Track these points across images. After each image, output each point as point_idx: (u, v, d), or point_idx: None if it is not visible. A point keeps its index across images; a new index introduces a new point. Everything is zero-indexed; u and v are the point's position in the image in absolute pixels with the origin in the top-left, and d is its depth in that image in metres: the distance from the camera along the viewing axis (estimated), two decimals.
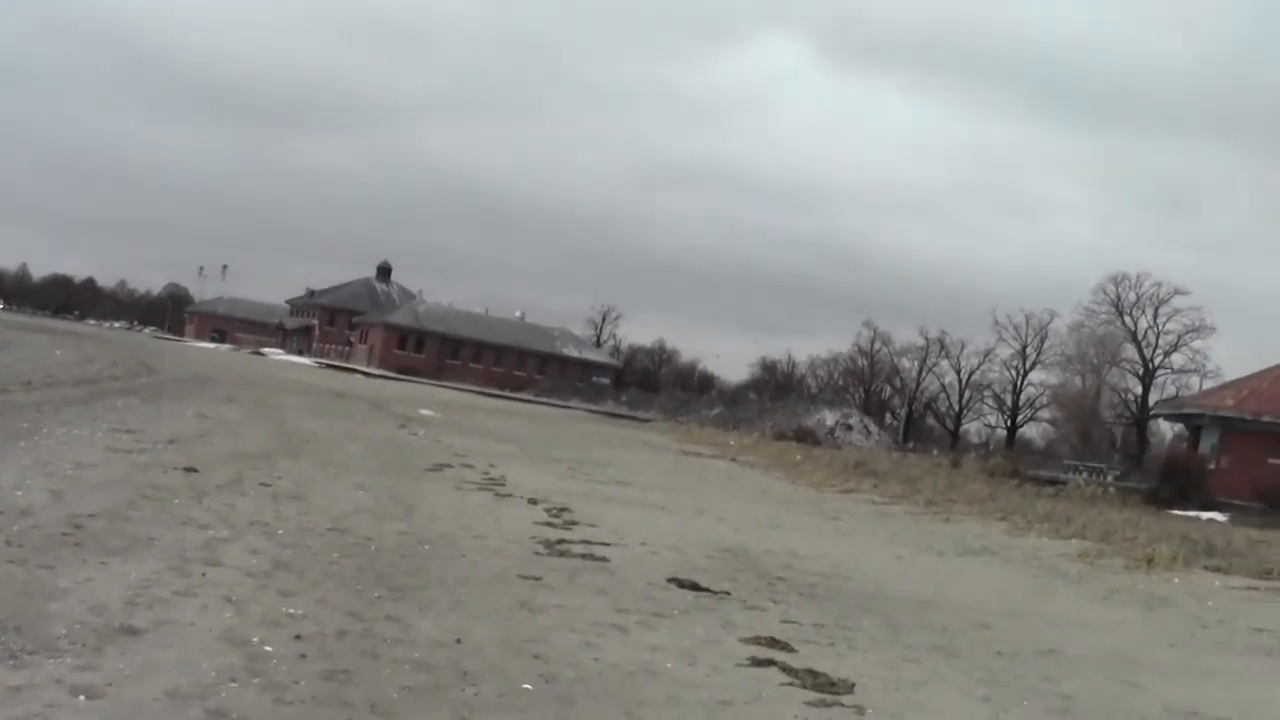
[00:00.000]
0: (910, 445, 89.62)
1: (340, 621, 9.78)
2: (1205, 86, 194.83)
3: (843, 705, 9.22)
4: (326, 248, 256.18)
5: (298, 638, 9.05)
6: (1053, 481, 49.53)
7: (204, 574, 10.91)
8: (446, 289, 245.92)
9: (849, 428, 76.07)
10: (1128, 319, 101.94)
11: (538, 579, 13.12)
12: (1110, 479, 55.95)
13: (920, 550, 21.78)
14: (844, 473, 41.89)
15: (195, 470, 18.16)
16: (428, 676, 8.49)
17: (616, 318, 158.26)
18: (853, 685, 9.88)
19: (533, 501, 20.78)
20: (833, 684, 9.81)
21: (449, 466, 25.57)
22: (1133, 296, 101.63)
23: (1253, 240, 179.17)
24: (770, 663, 10.30)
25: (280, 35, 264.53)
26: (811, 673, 10.05)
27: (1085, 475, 54.97)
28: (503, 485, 23.01)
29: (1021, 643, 13.21)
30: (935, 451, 78.18)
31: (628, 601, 12.49)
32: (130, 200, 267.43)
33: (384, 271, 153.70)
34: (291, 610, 9.93)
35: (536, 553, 15.12)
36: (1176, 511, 40.23)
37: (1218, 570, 22.10)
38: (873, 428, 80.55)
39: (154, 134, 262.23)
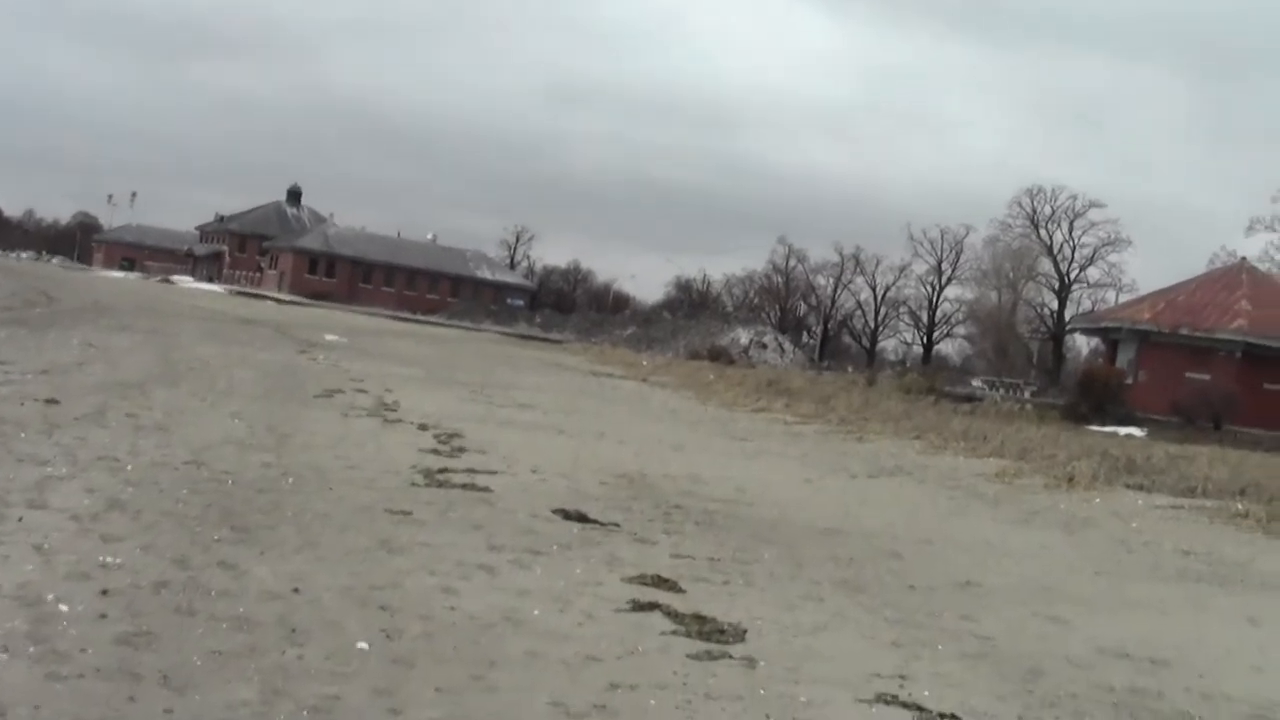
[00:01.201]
0: (826, 364, 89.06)
1: (163, 571, 8.62)
2: (1118, 3, 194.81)
3: (731, 658, 8.14)
4: (238, 175, 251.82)
5: (104, 593, 7.90)
6: (969, 399, 49.13)
7: (20, 518, 9.72)
8: (359, 215, 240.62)
9: (763, 346, 75.42)
10: (1043, 232, 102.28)
11: (407, 514, 12.00)
12: (1028, 395, 55.60)
13: (831, 472, 20.85)
14: (756, 392, 41.03)
15: (56, 402, 16.89)
16: (245, 637, 7.35)
17: (530, 239, 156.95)
18: (744, 632, 8.83)
19: (423, 427, 19.70)
20: (721, 631, 8.75)
21: (341, 392, 24.36)
22: (1048, 210, 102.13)
23: (1166, 157, 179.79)
24: (654, 606, 9.22)
25: None
26: (699, 618, 8.99)
27: (1002, 392, 54.69)
28: (394, 411, 21.89)
29: (935, 574, 12.24)
30: (851, 370, 77.71)
31: (504, 537, 11.38)
32: (36, 129, 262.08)
33: (294, 195, 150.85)
34: (109, 559, 8.76)
35: (413, 484, 14.00)
36: (1094, 427, 39.64)
37: (1140, 489, 21.26)
38: (787, 346, 79.97)
39: (61, 62, 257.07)
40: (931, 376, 58.37)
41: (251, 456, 14.51)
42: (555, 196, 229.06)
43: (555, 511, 13.07)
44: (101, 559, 8.74)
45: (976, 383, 61.16)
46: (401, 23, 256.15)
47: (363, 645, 7.46)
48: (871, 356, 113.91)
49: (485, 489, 14.09)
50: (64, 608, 7.46)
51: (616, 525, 12.74)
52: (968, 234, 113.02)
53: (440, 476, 14.63)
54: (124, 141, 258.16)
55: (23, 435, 13.88)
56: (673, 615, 9.02)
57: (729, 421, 30.02)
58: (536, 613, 8.74)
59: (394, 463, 15.45)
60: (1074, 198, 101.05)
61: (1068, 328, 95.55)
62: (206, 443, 15.10)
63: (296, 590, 8.53)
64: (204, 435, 15.76)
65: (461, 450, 17.40)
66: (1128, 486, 21.39)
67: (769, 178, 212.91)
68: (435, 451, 16.99)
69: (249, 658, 6.98)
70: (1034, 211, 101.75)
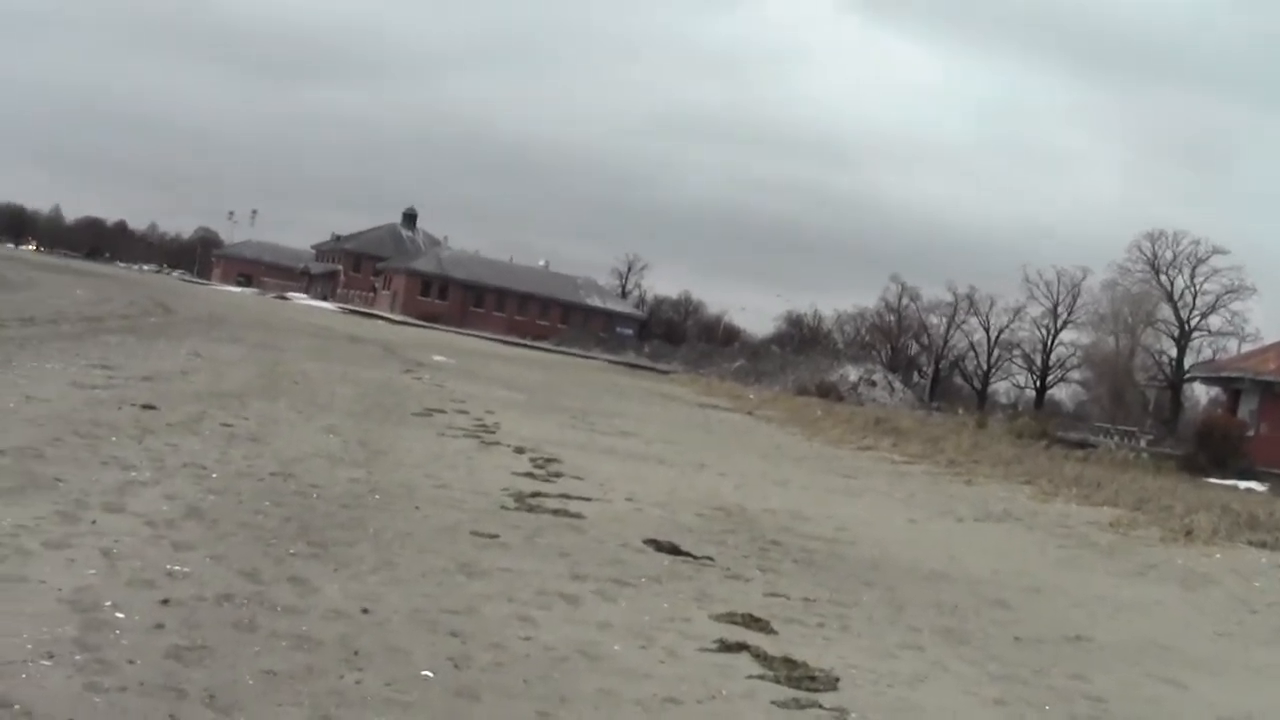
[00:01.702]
0: (935, 404, 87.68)
1: (230, 583, 8.26)
2: (1239, 44, 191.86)
3: (821, 708, 7.61)
4: (355, 196, 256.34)
5: (164, 602, 7.54)
6: (1082, 445, 47.93)
7: (94, 521, 9.42)
8: (472, 238, 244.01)
9: (873, 384, 74.43)
10: (1164, 278, 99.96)
11: (492, 537, 11.59)
12: (1143, 443, 54.29)
13: (937, 514, 20.20)
14: (863, 430, 40.31)
15: (154, 408, 16.71)
16: (304, 657, 6.95)
17: (642, 268, 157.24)
18: (836, 680, 8.28)
19: (520, 450, 19.31)
20: (812, 678, 8.20)
21: (441, 412, 24.09)
22: (1169, 255, 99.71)
23: None
24: (742, 647, 8.70)
25: None
26: (789, 662, 8.47)
27: (1117, 439, 53.38)
28: (493, 433, 21.55)
29: (1044, 627, 11.60)
30: (961, 411, 76.52)
31: (590, 566, 10.92)
32: (161, 146, 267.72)
33: (409, 218, 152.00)
34: (177, 568, 8.42)
35: (503, 507, 13.59)
36: (1213, 480, 38.46)
37: (1262, 545, 20.28)
38: (897, 385, 78.87)
39: (192, 82, 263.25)
40: (1044, 421, 57.17)
41: (341, 471, 14.19)
42: (668, 226, 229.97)
43: (647, 542, 12.60)
44: (169, 567, 8.40)
45: (1094, 432, 59.82)
46: (517, 50, 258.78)
47: (427, 673, 7.03)
48: (983, 398, 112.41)
49: (577, 515, 13.66)
50: (120, 615, 7.12)
51: (710, 559, 12.24)
52: (1085, 277, 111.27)
53: (532, 500, 14.22)
54: (246, 159, 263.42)
55: (113, 439, 13.66)
56: (761, 658, 8.50)
57: (834, 459, 29.41)
58: (616, 648, 8.27)
59: (486, 485, 15.07)
60: (1196, 243, 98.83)
61: (1186, 376, 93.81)
62: (297, 455, 14.83)
63: (365, 611, 8.13)
64: (296, 448, 15.49)
65: (558, 475, 17.01)
66: (1249, 543, 20.42)
67: (882, 214, 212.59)
68: (530, 475, 16.60)
69: (304, 680, 6.58)
70: (1154, 256, 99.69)
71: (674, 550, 12.34)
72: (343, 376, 29.43)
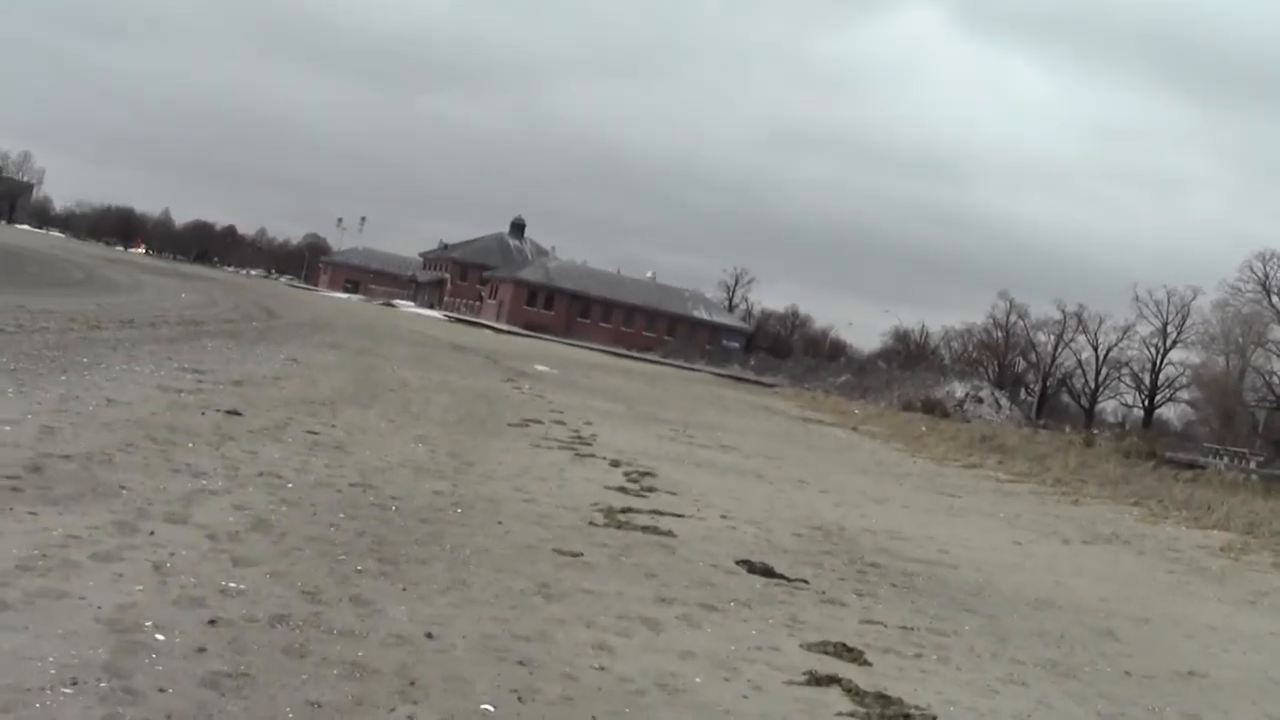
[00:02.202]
0: (1042, 422, 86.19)
1: (287, 602, 7.76)
2: None
3: None
4: (463, 205, 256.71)
5: (211, 623, 7.05)
6: (1191, 465, 46.57)
7: (151, 533, 8.95)
8: (580, 248, 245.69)
9: (979, 400, 73.15)
10: (1275, 299, 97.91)
11: (576, 555, 11.04)
12: (1254, 465, 52.85)
13: (1042, 536, 19.46)
14: (969, 447, 39.43)
15: (238, 414, 16.35)
16: (354, 688, 6.40)
17: (749, 282, 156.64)
18: (934, 719, 7.66)
19: (614, 464, 18.83)
20: (907, 716, 7.58)
21: (538, 423, 23.65)
22: None
23: None
24: (833, 680, 8.07)
25: None
26: (883, 698, 7.84)
27: (1226, 460, 51.98)
28: (589, 445, 21.09)
29: (1155, 660, 10.88)
30: (1068, 429, 75.20)
31: (677, 589, 10.34)
32: (271, 151, 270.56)
33: (517, 228, 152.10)
34: (231, 584, 7.93)
35: (591, 523, 13.06)
36: None
37: None
38: (1004, 402, 77.45)
39: (299, 88, 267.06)
40: (1152, 440, 55.75)
41: (424, 483, 13.72)
42: (775, 240, 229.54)
43: (739, 563, 12.02)
44: (223, 584, 7.91)
45: (1203, 452, 58.43)
46: (627, 62, 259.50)
47: (487, 707, 6.47)
48: (1090, 417, 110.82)
49: (668, 533, 13.09)
50: (160, 638, 6.63)
51: (804, 582, 11.63)
52: (1195, 297, 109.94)
53: (622, 517, 13.67)
54: (355, 167, 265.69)
55: (190, 445, 13.25)
56: (853, 693, 7.87)
57: (938, 476, 28.65)
58: (698, 680, 7.66)
59: (576, 499, 14.56)
60: None
61: None
62: (382, 465, 14.40)
63: (430, 635, 7.58)
64: (381, 457, 15.07)
65: (651, 490, 16.49)
66: None
67: (990, 232, 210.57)
68: (623, 489, 16.09)
69: (350, 713, 6.03)
70: (1266, 277, 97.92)
71: (767, 572, 11.76)
72: (441, 385, 29.11)
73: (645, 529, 13.13)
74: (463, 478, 14.73)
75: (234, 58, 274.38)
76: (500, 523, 12.04)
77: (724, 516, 15.22)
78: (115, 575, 7.68)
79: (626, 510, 14.18)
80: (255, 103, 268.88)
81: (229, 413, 16.30)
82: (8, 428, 12.10)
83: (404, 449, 16.33)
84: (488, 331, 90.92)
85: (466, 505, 12.72)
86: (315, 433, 16.12)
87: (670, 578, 10.77)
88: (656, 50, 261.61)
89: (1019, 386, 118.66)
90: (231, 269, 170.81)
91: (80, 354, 19.89)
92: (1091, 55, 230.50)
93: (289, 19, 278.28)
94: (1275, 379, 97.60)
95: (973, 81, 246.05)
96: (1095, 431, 69.04)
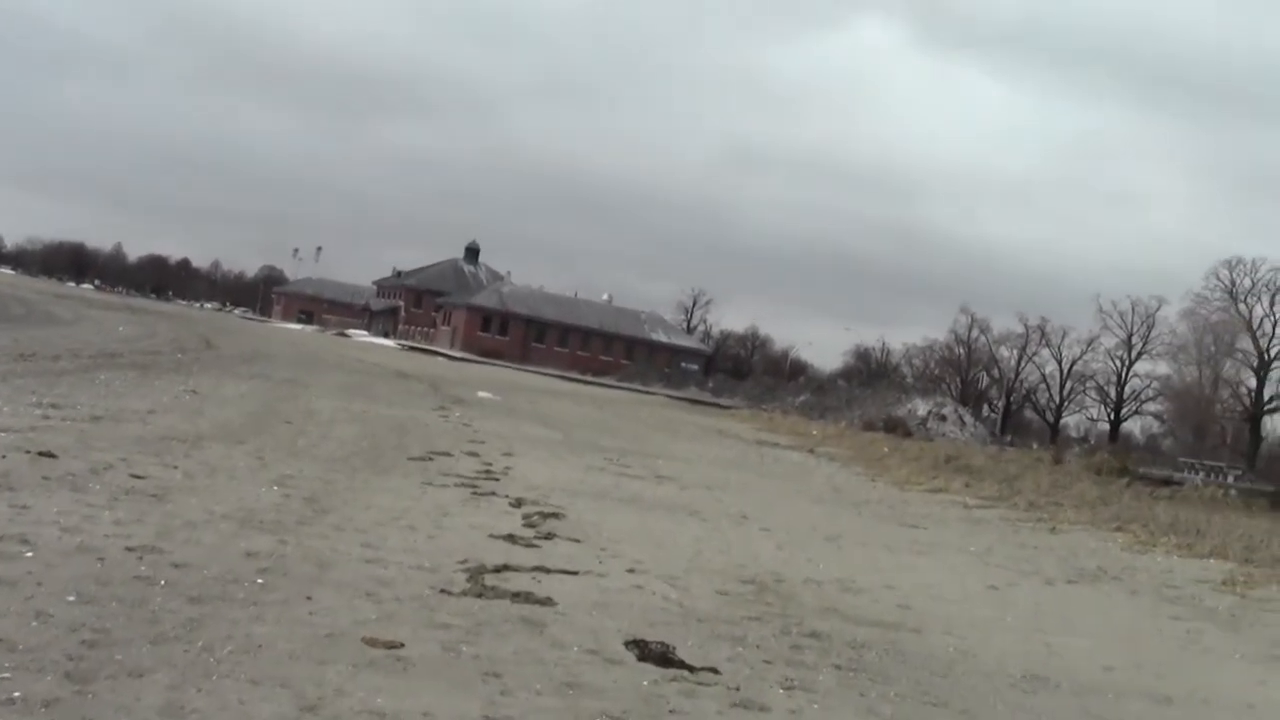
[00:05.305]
0: (1008, 439, 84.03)
1: None
2: None
3: None
4: (421, 232, 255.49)
5: None
6: (1167, 482, 44.37)
7: None
8: (536, 273, 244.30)
9: (942, 418, 70.65)
10: (1243, 306, 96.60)
11: (394, 647, 8.00)
12: (1231, 480, 50.60)
13: (1021, 575, 16.69)
14: (934, 468, 36.75)
15: (52, 455, 13.54)
16: None
17: (708, 303, 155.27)
18: None
19: (517, 503, 16.08)
20: None
21: (446, 455, 20.88)
22: (1248, 282, 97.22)
23: None
24: None
25: (372, 20, 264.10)
26: None
27: (1203, 476, 49.80)
28: (496, 480, 18.37)
29: None
30: (1035, 445, 73.22)
31: (523, 700, 7.31)
32: (225, 183, 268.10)
33: (472, 253, 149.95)
34: None
35: (445, 590, 10.07)
36: None
37: None
38: (968, 418, 74.99)
39: (254, 119, 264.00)
40: (1123, 456, 53.45)
41: (242, 541, 10.72)
42: (733, 261, 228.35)
43: (630, 644, 9.02)
44: None
45: (1176, 467, 56.20)
46: (581, 85, 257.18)
47: None
48: (1055, 432, 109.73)
49: (545, 600, 10.14)
50: None
51: (714, 672, 8.60)
52: (1159, 307, 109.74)
53: (491, 579, 10.73)
54: (310, 196, 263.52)
55: None
56: None
57: (900, 504, 25.79)
58: None
59: (442, 554, 11.61)
60: (1276, 270, 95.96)
61: (1268, 407, 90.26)
62: (200, 518, 11.46)
63: None
64: (209, 507, 12.11)
65: (549, 536, 13.68)
66: None
67: (949, 247, 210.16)
68: (511, 538, 13.23)
69: None
70: (1233, 284, 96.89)
71: (664, 659, 8.72)
72: (356, 415, 26.38)
73: (516, 596, 10.16)
74: (303, 531, 11.74)
75: (188, 89, 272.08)
76: (309, 598, 9.00)
77: (631, 570, 12.32)
78: None
79: (501, 569, 11.25)
80: (210, 134, 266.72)
81: (41, 454, 13.50)
82: None
83: (249, 494, 13.39)
84: (440, 359, 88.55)
85: (279, 572, 9.70)
86: (140, 477, 13.25)
87: (519, 679, 7.70)
88: (609, 75, 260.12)
89: (982, 403, 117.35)
90: (185, 303, 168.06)
91: None
92: (1049, 69, 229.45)
93: (243, 49, 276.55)
94: (1243, 389, 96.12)
95: (930, 97, 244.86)
96: (1061, 447, 67.32)
